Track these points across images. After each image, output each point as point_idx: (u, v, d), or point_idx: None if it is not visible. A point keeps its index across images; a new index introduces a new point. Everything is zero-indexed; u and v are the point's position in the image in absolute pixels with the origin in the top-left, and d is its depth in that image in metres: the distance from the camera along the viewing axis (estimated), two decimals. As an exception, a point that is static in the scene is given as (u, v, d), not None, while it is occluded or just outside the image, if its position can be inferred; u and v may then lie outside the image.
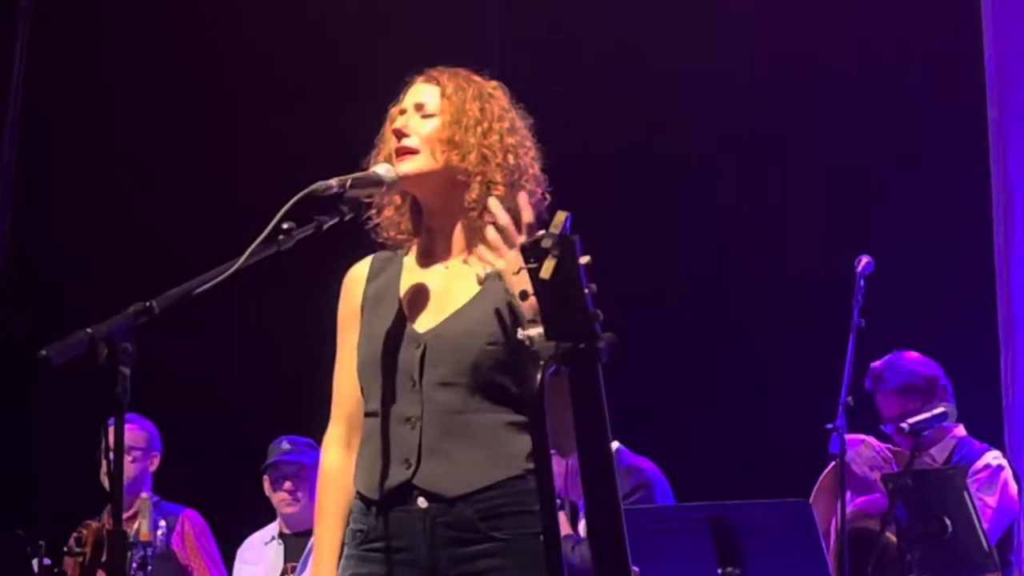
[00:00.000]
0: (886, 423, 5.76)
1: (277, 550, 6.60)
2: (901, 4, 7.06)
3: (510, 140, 3.35)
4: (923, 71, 7.01)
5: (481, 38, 7.52)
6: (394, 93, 3.46)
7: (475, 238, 3.29)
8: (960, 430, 5.87)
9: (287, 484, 6.53)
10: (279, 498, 6.57)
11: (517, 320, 3.10)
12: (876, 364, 5.82)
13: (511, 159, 3.33)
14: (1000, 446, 6.55)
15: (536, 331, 2.87)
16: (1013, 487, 5.69)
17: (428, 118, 3.35)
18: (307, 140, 6.98)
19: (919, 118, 6.98)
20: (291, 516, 6.54)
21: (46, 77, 7.63)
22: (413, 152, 3.31)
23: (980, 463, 5.70)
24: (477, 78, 3.42)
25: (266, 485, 6.62)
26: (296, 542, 6.48)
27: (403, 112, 3.38)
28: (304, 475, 6.46)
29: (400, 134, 3.33)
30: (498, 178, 3.30)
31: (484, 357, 3.18)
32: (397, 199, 3.39)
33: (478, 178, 3.30)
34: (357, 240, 3.47)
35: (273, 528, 6.68)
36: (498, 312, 3.22)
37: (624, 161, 7.29)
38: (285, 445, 6.57)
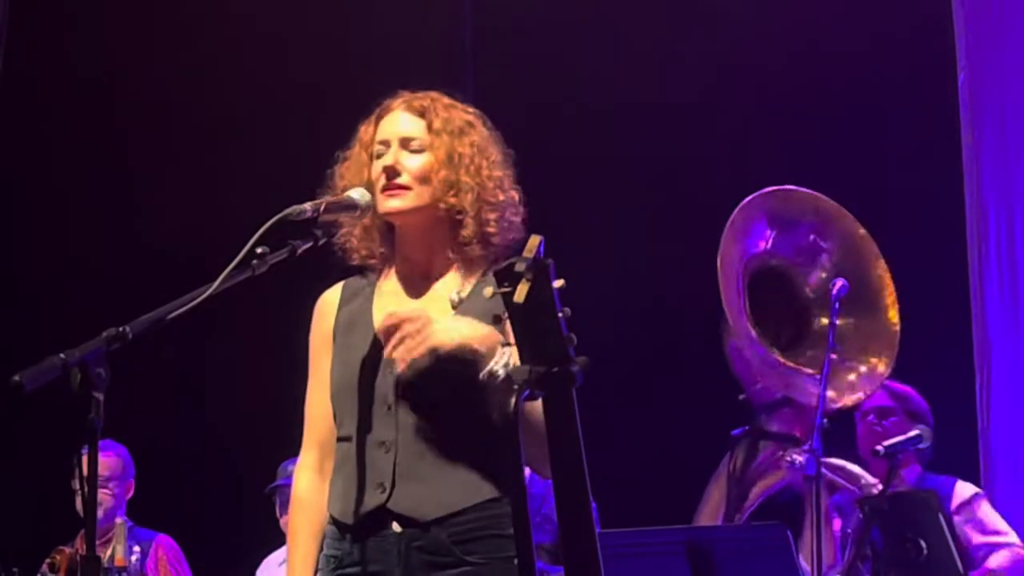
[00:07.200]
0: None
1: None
2: (874, 27, 7.07)
3: (497, 173, 3.37)
4: (897, 94, 7.03)
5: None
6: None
7: (471, 269, 3.33)
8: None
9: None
10: (286, 520, 6.55)
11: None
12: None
13: (500, 195, 3.35)
14: (976, 469, 6.57)
15: (496, 365, 3.00)
16: None
17: (416, 153, 3.34)
18: (278, 163, 6.95)
19: (893, 140, 6.99)
20: None
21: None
22: (406, 189, 3.31)
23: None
24: (453, 102, 3.42)
25: (277, 507, 6.62)
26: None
27: (385, 143, 3.37)
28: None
29: (392, 172, 3.32)
30: (490, 215, 3.32)
31: (459, 380, 3.16)
32: (367, 221, 3.39)
33: (471, 214, 3.31)
34: (331, 264, 3.46)
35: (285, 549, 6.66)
36: None
37: (588, 188, 7.29)
38: (291, 467, 6.54)
